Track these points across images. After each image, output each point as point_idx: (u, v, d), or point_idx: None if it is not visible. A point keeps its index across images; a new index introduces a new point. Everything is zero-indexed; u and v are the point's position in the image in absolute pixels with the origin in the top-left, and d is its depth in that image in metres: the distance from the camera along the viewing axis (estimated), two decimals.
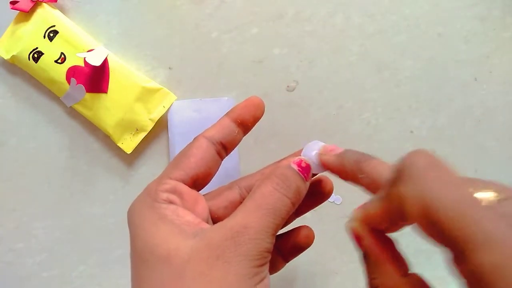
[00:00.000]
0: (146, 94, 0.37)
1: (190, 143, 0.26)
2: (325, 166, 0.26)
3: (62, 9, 0.38)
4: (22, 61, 0.37)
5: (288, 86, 0.39)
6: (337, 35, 0.39)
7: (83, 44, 0.37)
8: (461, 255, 0.16)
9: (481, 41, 0.38)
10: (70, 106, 0.38)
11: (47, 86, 0.38)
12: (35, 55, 0.37)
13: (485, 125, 0.39)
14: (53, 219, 0.39)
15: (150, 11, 0.39)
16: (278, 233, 0.28)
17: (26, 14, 0.37)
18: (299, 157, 0.26)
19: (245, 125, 0.28)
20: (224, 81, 0.39)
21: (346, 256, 0.39)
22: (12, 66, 0.39)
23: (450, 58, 0.39)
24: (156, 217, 0.23)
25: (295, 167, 0.25)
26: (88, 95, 0.37)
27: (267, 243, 0.22)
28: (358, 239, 0.23)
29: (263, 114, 0.28)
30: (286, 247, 0.28)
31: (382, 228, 0.22)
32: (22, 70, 0.38)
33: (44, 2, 0.37)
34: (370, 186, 0.23)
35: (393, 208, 0.19)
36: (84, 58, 0.36)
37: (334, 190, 0.38)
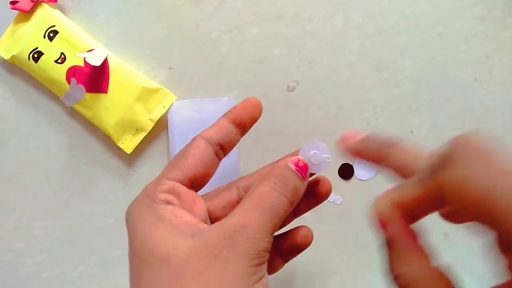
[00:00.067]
0: (146, 94, 0.37)
1: (188, 144, 0.26)
2: (350, 152, 0.25)
3: (62, 9, 0.38)
4: (22, 61, 0.37)
5: (288, 86, 0.39)
6: (337, 35, 0.38)
7: (83, 44, 0.37)
8: (505, 232, 0.16)
9: (481, 41, 0.38)
10: (70, 106, 0.38)
11: (47, 86, 0.38)
12: (35, 55, 0.37)
13: (485, 125, 0.39)
14: (53, 219, 0.39)
15: (150, 11, 0.39)
16: (276, 233, 0.28)
17: (26, 14, 0.37)
18: (297, 156, 0.26)
19: (243, 126, 0.28)
20: (224, 81, 0.39)
21: (346, 256, 0.39)
22: (12, 66, 0.39)
23: (450, 58, 0.39)
24: (155, 218, 0.23)
25: (293, 166, 0.25)
26: (88, 95, 0.37)
27: (265, 242, 0.22)
28: (383, 224, 0.21)
29: (261, 114, 0.28)
30: (284, 247, 0.28)
31: (417, 213, 0.21)
32: (22, 70, 0.38)
33: (44, 2, 0.37)
34: (397, 170, 0.22)
35: (435, 193, 0.18)
36: (84, 58, 0.36)
37: (334, 190, 0.38)
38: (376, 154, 0.23)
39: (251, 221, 0.22)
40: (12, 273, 0.39)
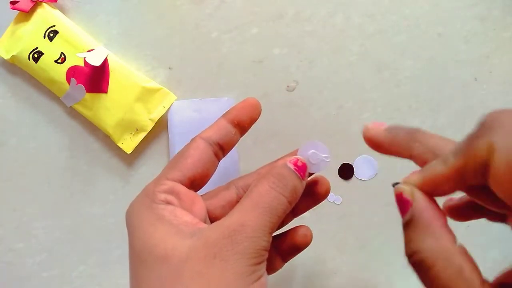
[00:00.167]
0: (146, 94, 0.37)
1: (188, 144, 0.27)
2: (373, 143, 0.24)
3: (62, 9, 0.38)
4: (22, 61, 0.37)
5: (288, 86, 0.39)
6: (337, 35, 0.38)
7: (83, 44, 0.37)
8: None
9: (481, 41, 0.38)
10: (70, 106, 0.38)
11: (47, 86, 0.38)
12: (35, 55, 0.37)
13: None
14: (53, 219, 0.39)
15: (150, 11, 0.39)
16: (276, 233, 0.28)
17: (26, 14, 0.37)
18: (295, 156, 0.26)
19: (242, 126, 0.28)
20: (224, 81, 0.39)
21: (346, 256, 0.39)
22: (12, 66, 0.39)
23: (450, 58, 0.39)
24: (154, 218, 0.23)
25: (292, 166, 0.25)
26: (88, 95, 0.37)
27: (264, 241, 0.22)
28: (405, 204, 0.20)
29: (259, 114, 0.29)
30: (284, 246, 0.28)
31: (442, 191, 0.20)
32: (22, 70, 0.38)
33: (44, 2, 0.37)
34: (423, 156, 0.22)
35: (475, 162, 0.18)
36: (84, 58, 0.36)
37: (334, 190, 0.38)
38: (402, 145, 0.23)
39: (250, 220, 0.22)
40: (12, 273, 0.39)
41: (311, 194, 0.29)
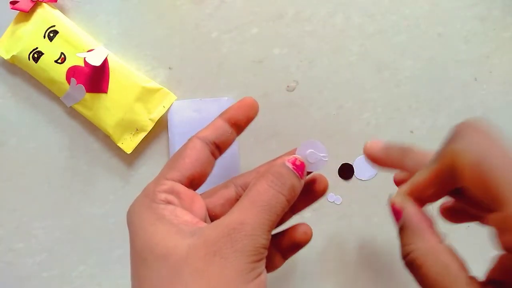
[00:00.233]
0: (146, 94, 0.37)
1: (185, 144, 0.27)
2: (372, 158, 0.28)
3: (62, 9, 0.38)
4: (22, 61, 0.37)
5: (288, 86, 0.39)
6: (337, 35, 0.38)
7: (83, 44, 0.37)
8: (498, 206, 0.19)
9: (481, 41, 0.38)
10: (70, 106, 0.38)
11: (47, 86, 0.38)
12: (35, 55, 0.37)
13: None
14: (53, 219, 0.39)
15: (150, 11, 0.39)
16: (276, 231, 0.29)
17: (26, 14, 0.37)
18: (294, 155, 0.26)
19: (238, 126, 0.28)
20: (224, 81, 0.39)
21: (346, 256, 0.39)
22: (12, 66, 0.39)
23: (450, 58, 0.39)
24: (155, 218, 0.23)
25: (290, 165, 0.25)
26: (88, 95, 0.37)
27: (263, 239, 0.23)
28: (397, 213, 0.23)
29: (256, 114, 0.29)
30: (284, 244, 0.29)
31: (427, 196, 0.23)
32: (22, 70, 0.38)
33: (44, 2, 0.37)
34: (413, 169, 0.25)
35: (446, 166, 0.21)
36: (84, 58, 0.36)
37: (334, 190, 0.38)
38: (396, 160, 0.26)
39: (249, 219, 0.22)
40: (12, 273, 0.39)
41: (310, 192, 0.29)
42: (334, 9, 0.38)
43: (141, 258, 0.23)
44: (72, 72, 0.37)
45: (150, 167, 0.39)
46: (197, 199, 0.26)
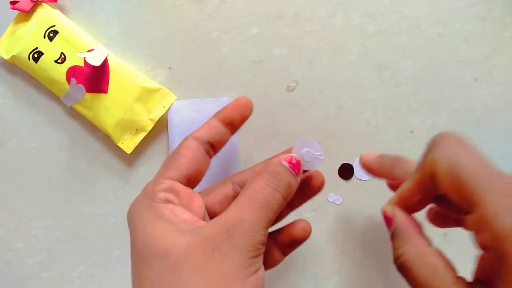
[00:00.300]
0: (146, 94, 0.37)
1: (180, 144, 0.28)
2: (366, 167, 0.31)
3: (62, 9, 0.38)
4: (22, 61, 0.37)
5: (288, 86, 0.39)
6: (337, 35, 0.39)
7: (83, 44, 0.37)
8: (473, 209, 0.20)
9: (481, 41, 0.38)
10: (70, 106, 0.38)
11: (47, 86, 0.38)
12: (35, 55, 0.37)
13: (485, 125, 0.39)
14: (53, 219, 0.39)
15: (150, 11, 0.39)
16: (275, 227, 0.29)
17: (26, 14, 0.37)
18: (290, 154, 0.27)
19: (232, 125, 0.29)
20: (224, 81, 0.39)
21: (346, 256, 0.39)
22: (12, 66, 0.39)
23: (450, 58, 0.39)
24: (154, 216, 0.24)
25: (286, 164, 0.26)
26: (88, 95, 0.37)
27: (261, 235, 0.23)
28: (388, 220, 0.25)
29: (251, 113, 0.30)
30: (283, 240, 0.29)
31: (413, 204, 0.25)
32: (22, 70, 0.38)
33: (44, 2, 0.37)
34: (402, 177, 0.27)
35: (426, 175, 0.23)
36: (84, 58, 0.36)
37: (334, 190, 0.38)
38: (387, 169, 0.29)
39: (247, 215, 0.23)
40: (12, 273, 0.39)
41: (307, 188, 0.30)
42: (334, 9, 0.38)
43: (141, 256, 0.23)
44: (72, 72, 0.37)
45: (150, 167, 0.39)
46: (196, 198, 0.27)
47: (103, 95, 0.37)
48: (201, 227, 0.23)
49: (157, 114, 0.37)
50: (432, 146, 0.23)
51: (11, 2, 0.37)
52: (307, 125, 0.39)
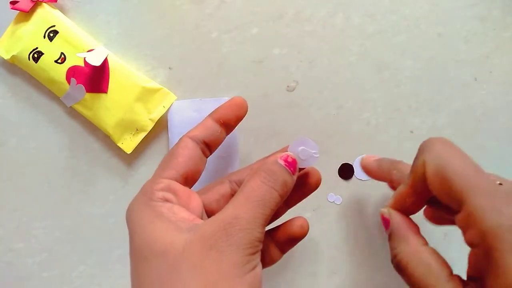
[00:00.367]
0: (146, 94, 0.37)
1: (176, 144, 0.28)
2: (366, 170, 0.33)
3: (62, 9, 0.38)
4: (22, 61, 0.37)
5: (288, 86, 0.39)
6: (337, 35, 0.39)
7: (83, 44, 0.37)
8: (460, 207, 0.21)
9: (481, 41, 0.38)
10: (70, 106, 0.38)
11: (47, 86, 0.38)
12: (35, 55, 0.37)
13: (485, 125, 0.39)
14: (53, 219, 0.39)
15: (150, 11, 0.39)
16: (273, 225, 0.29)
17: (26, 14, 0.37)
18: (286, 152, 0.27)
19: (227, 125, 0.29)
20: (224, 81, 0.39)
21: (346, 256, 0.39)
22: (12, 66, 0.39)
23: (450, 58, 0.39)
24: (153, 215, 0.24)
25: (282, 162, 0.26)
26: (88, 95, 0.37)
27: (258, 232, 0.23)
28: (386, 222, 0.26)
29: (246, 113, 0.30)
30: (281, 238, 0.29)
31: (409, 206, 0.26)
32: (22, 70, 0.38)
33: (44, 2, 0.37)
34: (400, 180, 0.28)
35: (418, 178, 0.24)
36: (84, 58, 0.36)
37: (334, 190, 0.38)
38: (385, 172, 0.30)
39: (244, 213, 0.23)
40: (12, 273, 0.39)
41: (304, 185, 0.30)
42: (334, 9, 0.38)
43: (140, 255, 0.23)
44: (72, 72, 0.37)
45: (150, 167, 0.39)
46: (194, 196, 0.27)
47: (103, 95, 0.37)
48: (199, 225, 0.23)
49: (157, 114, 0.37)
50: (422, 150, 0.24)
51: (11, 2, 0.37)
52: (307, 125, 0.39)
